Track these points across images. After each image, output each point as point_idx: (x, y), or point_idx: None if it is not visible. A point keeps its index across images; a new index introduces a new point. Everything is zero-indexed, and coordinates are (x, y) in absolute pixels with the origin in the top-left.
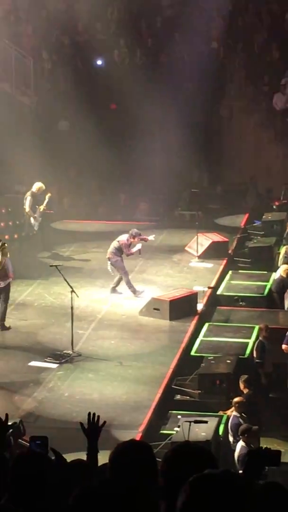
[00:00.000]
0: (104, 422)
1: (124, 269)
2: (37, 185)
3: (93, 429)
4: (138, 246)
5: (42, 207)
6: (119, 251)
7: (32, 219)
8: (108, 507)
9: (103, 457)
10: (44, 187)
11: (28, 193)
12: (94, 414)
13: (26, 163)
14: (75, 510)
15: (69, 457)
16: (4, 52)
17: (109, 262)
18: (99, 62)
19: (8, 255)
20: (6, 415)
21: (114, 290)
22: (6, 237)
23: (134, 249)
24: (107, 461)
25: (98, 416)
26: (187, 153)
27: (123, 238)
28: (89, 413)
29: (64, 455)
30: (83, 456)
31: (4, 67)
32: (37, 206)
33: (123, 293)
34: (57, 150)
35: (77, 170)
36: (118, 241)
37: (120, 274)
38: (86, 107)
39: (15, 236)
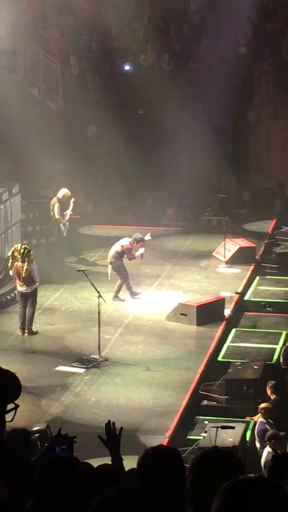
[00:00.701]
0: (121, 428)
1: (124, 273)
2: (63, 191)
3: (113, 438)
4: (141, 250)
5: (69, 213)
6: (120, 255)
7: (61, 226)
8: None
9: (130, 462)
10: (69, 193)
11: (55, 200)
12: (109, 422)
13: (53, 168)
14: None
15: (95, 462)
16: (32, 57)
17: (110, 267)
18: (127, 67)
19: (34, 262)
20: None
21: (116, 296)
22: (34, 242)
23: (136, 253)
24: (135, 466)
25: (113, 423)
26: (215, 158)
27: (126, 242)
28: (106, 424)
29: (90, 460)
30: (108, 461)
31: (33, 72)
32: (65, 213)
33: (125, 300)
34: (85, 155)
35: (105, 175)
36: (121, 246)
37: (120, 278)
38: (114, 112)
39: (42, 241)
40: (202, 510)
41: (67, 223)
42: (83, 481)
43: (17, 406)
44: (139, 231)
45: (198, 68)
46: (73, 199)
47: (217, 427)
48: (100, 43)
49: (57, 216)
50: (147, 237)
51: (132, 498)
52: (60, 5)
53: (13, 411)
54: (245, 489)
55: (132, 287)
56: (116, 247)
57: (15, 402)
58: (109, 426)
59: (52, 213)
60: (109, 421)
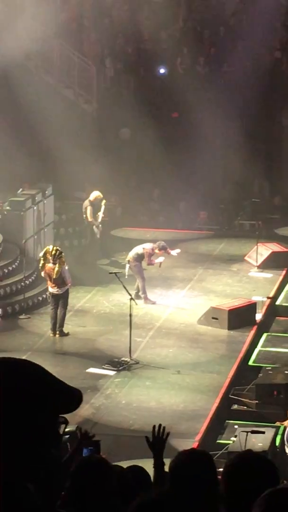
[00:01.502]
0: (168, 433)
1: (142, 274)
2: (95, 194)
3: (158, 442)
4: (161, 259)
5: (100, 215)
6: (140, 257)
7: (95, 228)
8: None
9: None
10: (101, 195)
11: (87, 203)
12: (159, 426)
13: (87, 170)
14: None
15: (125, 464)
16: (67, 59)
17: (127, 266)
18: (162, 71)
19: (65, 264)
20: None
21: (137, 296)
22: (66, 243)
23: (156, 260)
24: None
25: (164, 428)
26: (248, 163)
27: (148, 246)
28: (154, 426)
29: (120, 463)
30: (139, 463)
31: (68, 75)
32: (97, 215)
33: (156, 302)
34: (118, 157)
35: (138, 178)
36: (143, 248)
37: (137, 279)
38: (148, 115)
39: (75, 242)
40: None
41: (100, 225)
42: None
43: (66, 422)
44: (173, 235)
45: (233, 72)
46: (104, 201)
47: (247, 432)
48: (136, 46)
49: (90, 219)
50: (174, 252)
51: (168, 501)
52: (96, 7)
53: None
54: (287, 498)
55: (147, 292)
56: (138, 249)
57: (65, 416)
58: (158, 429)
59: (84, 215)
60: (159, 425)
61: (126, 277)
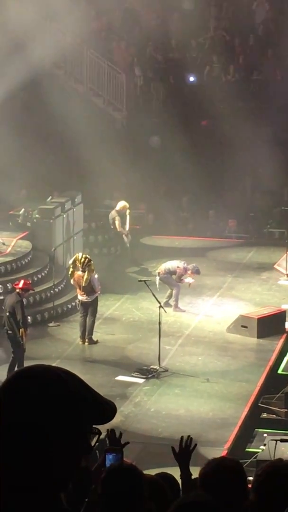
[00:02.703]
0: (196, 445)
1: (175, 283)
2: (121, 204)
3: (185, 453)
4: (190, 279)
5: (127, 225)
6: (171, 273)
7: (124, 237)
8: None
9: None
10: (127, 205)
11: (114, 213)
12: (188, 437)
13: (116, 178)
14: None
15: (154, 472)
16: (97, 67)
17: (158, 277)
18: (191, 79)
19: (95, 272)
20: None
21: (167, 304)
22: (95, 251)
23: (185, 280)
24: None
25: (191, 439)
26: (278, 170)
27: (182, 265)
28: (182, 437)
29: (148, 470)
30: (168, 471)
31: (98, 82)
32: (124, 226)
33: (186, 310)
34: (148, 165)
35: (167, 186)
36: (177, 267)
37: (171, 288)
38: (178, 123)
39: (104, 250)
40: None
41: (129, 234)
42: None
43: (99, 433)
44: (202, 243)
45: (263, 80)
46: (128, 211)
47: (276, 440)
48: (165, 54)
49: (119, 229)
50: (189, 279)
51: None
52: (126, 15)
53: (96, 436)
54: None
55: (179, 301)
56: (171, 264)
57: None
58: (185, 440)
59: (112, 226)
60: (188, 436)
61: (158, 289)
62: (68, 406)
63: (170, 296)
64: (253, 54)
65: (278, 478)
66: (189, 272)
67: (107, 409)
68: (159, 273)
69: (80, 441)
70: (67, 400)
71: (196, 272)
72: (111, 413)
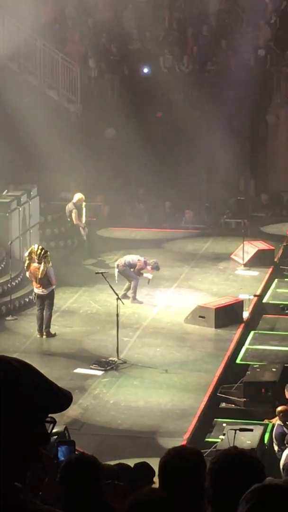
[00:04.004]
0: None
1: (134, 275)
2: (77, 196)
3: None
4: (149, 275)
5: (84, 217)
6: (130, 266)
7: (81, 230)
8: None
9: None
10: (83, 197)
11: (71, 206)
12: None
13: (72, 171)
14: None
15: (113, 463)
16: (51, 59)
17: (116, 270)
18: (145, 70)
19: (51, 264)
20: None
21: (125, 295)
22: (52, 244)
23: (144, 274)
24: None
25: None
26: (233, 161)
27: (142, 260)
28: None
29: (109, 462)
30: (127, 463)
31: (51, 75)
32: (81, 218)
33: (143, 302)
34: (103, 157)
35: (123, 178)
36: (138, 260)
37: (129, 280)
38: (132, 115)
39: (61, 243)
40: (221, 508)
41: (86, 227)
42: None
43: (54, 421)
44: (158, 234)
45: (217, 70)
46: (84, 203)
47: (235, 430)
48: (119, 46)
49: (75, 222)
50: (148, 275)
51: (163, 499)
52: (79, 7)
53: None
54: (274, 494)
55: (137, 293)
56: (130, 258)
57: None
58: None
59: (69, 219)
60: None
61: (117, 281)
62: (21, 394)
63: (128, 289)
64: (207, 44)
65: (232, 466)
66: (149, 267)
67: (62, 398)
68: (118, 265)
69: (36, 430)
70: (19, 388)
71: (156, 268)
72: (67, 401)
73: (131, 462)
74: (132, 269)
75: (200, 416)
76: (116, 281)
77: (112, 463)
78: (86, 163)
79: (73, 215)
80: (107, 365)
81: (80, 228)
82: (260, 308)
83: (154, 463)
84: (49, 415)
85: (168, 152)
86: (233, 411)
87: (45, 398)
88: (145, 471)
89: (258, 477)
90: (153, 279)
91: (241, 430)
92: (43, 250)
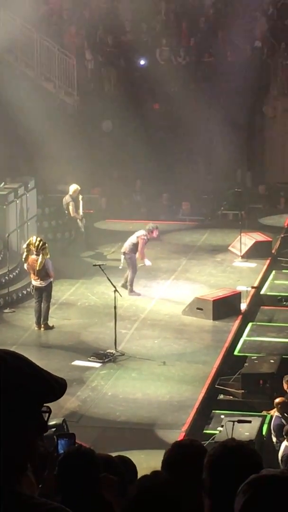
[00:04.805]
0: None
1: (135, 267)
2: (73, 188)
3: None
4: (148, 262)
5: (81, 210)
6: (135, 247)
7: (79, 221)
8: (165, 506)
9: (147, 456)
10: (79, 188)
11: (68, 198)
12: None
13: (69, 163)
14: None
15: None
16: (47, 52)
17: (123, 257)
18: (142, 62)
19: (49, 255)
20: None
21: (124, 286)
22: (50, 236)
23: (146, 261)
24: (152, 460)
25: None
26: (231, 153)
27: (142, 233)
28: None
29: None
30: (125, 455)
31: (48, 67)
32: (78, 211)
33: (141, 294)
34: (100, 149)
35: (120, 170)
36: (137, 237)
37: (129, 270)
38: (129, 107)
39: (58, 235)
40: (220, 500)
41: (83, 219)
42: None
43: (49, 411)
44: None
45: (214, 62)
46: (81, 196)
47: (234, 421)
48: (116, 38)
49: (72, 214)
50: (148, 262)
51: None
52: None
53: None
54: (270, 484)
55: (133, 285)
56: (133, 238)
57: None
58: None
59: (66, 211)
60: None
61: (121, 267)
62: (13, 384)
63: (127, 280)
64: (204, 36)
65: (229, 458)
66: (149, 234)
67: (55, 386)
68: (124, 252)
69: (31, 420)
70: (11, 378)
71: (154, 228)
72: (60, 389)
73: (129, 454)
74: (136, 253)
75: (198, 408)
76: (121, 267)
77: (111, 454)
78: (83, 155)
79: (70, 207)
80: (105, 357)
81: (78, 220)
82: (257, 300)
83: (153, 455)
84: (46, 404)
85: (165, 144)
86: (231, 402)
87: (37, 386)
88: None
89: (256, 469)
90: (151, 271)
91: (239, 421)
92: (42, 242)
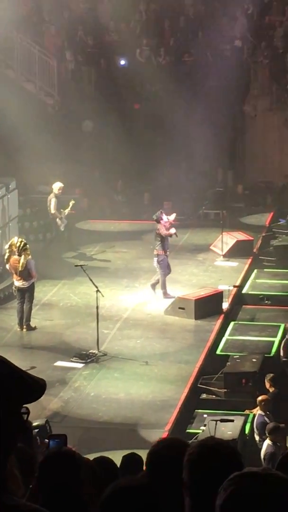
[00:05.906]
0: None
1: (165, 270)
2: (58, 185)
3: None
4: (173, 230)
5: (66, 211)
6: (163, 243)
7: (58, 220)
8: (142, 505)
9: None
10: (62, 185)
11: (52, 195)
12: None
13: (50, 164)
14: (107, 507)
15: (95, 456)
16: (28, 52)
17: (155, 259)
18: (122, 62)
19: (30, 256)
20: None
21: (153, 286)
22: (31, 237)
23: (171, 231)
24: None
25: None
26: (211, 152)
27: (161, 221)
28: None
29: (90, 455)
30: (109, 455)
31: (28, 68)
32: (61, 210)
33: (174, 295)
34: (81, 150)
35: (101, 170)
36: (157, 229)
37: (160, 273)
38: (110, 107)
39: (40, 236)
40: (199, 499)
41: (64, 219)
42: (83, 474)
43: (28, 412)
44: (137, 226)
45: (194, 62)
46: (73, 201)
47: (216, 421)
48: (96, 38)
49: (53, 211)
50: (173, 230)
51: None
52: (55, 0)
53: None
54: (252, 481)
55: (167, 286)
56: (156, 238)
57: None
58: None
59: (48, 208)
60: None
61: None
62: None
63: (157, 282)
64: (184, 36)
65: (209, 456)
66: (161, 221)
67: (34, 386)
68: (157, 254)
69: (10, 421)
70: None
71: (160, 213)
72: (39, 389)
73: (112, 455)
74: (165, 242)
75: (181, 408)
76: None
77: (94, 455)
78: (64, 156)
79: (53, 204)
80: (87, 358)
81: (57, 219)
82: (239, 299)
83: (142, 454)
84: (25, 405)
85: (146, 143)
86: (214, 402)
87: (16, 387)
88: (133, 462)
89: (236, 467)
90: (133, 271)
91: (222, 421)
92: (23, 243)
